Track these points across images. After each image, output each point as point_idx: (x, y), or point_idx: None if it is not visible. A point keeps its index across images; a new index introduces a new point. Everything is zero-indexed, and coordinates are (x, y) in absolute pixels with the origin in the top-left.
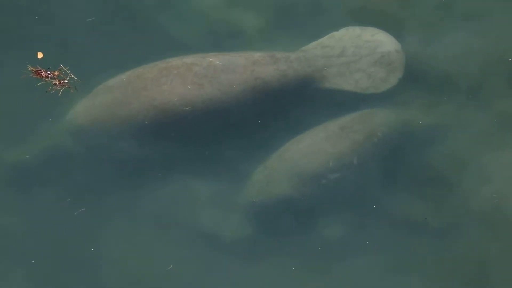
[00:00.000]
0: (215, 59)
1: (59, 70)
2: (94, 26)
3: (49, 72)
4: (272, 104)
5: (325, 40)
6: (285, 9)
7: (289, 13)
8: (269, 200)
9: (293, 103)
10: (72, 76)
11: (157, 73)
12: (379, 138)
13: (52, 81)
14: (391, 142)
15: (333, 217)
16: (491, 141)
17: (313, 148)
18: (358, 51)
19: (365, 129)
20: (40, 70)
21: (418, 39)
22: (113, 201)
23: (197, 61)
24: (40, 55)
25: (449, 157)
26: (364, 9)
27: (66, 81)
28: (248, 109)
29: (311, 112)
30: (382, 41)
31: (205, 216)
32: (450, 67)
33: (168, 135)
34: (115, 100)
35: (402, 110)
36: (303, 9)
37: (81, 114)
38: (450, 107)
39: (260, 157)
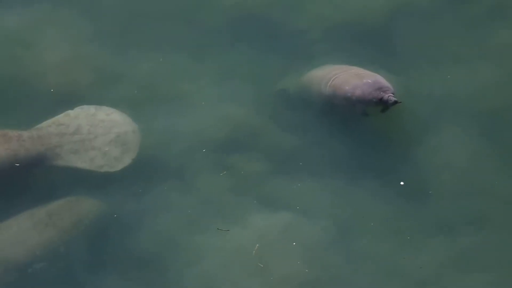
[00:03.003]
0: None
1: None
2: None
3: None
4: None
5: (60, 118)
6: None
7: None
8: None
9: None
10: None
11: None
12: (86, 225)
13: None
14: (98, 229)
15: None
16: (197, 223)
17: (20, 236)
18: (93, 129)
19: (72, 217)
20: None
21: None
22: None
23: None
24: None
25: (157, 240)
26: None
27: None
28: None
29: (19, 195)
30: (117, 121)
31: None
32: (158, 148)
33: None
34: None
35: (110, 196)
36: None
37: None
38: (157, 190)
39: None
